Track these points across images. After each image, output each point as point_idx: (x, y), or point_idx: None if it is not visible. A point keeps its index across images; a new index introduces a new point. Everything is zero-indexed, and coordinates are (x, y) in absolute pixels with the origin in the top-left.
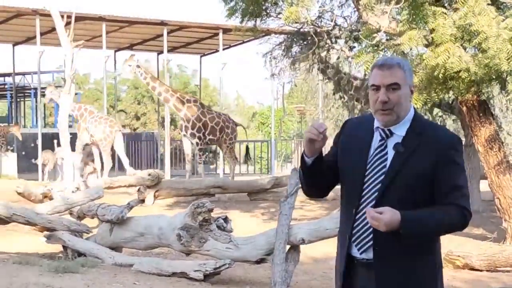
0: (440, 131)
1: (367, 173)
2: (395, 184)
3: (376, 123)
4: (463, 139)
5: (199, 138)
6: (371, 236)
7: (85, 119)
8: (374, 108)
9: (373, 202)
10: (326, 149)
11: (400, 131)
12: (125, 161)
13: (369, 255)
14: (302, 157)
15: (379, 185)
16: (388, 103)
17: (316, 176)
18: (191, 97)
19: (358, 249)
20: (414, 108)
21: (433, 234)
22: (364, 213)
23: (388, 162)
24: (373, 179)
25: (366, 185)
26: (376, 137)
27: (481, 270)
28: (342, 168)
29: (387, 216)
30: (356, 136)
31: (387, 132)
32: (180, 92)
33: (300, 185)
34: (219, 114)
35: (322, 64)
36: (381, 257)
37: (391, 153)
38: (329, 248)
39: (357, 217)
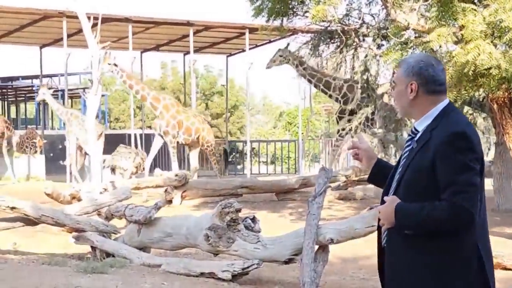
0: (447, 126)
1: (397, 169)
2: (404, 179)
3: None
4: (494, 137)
5: (173, 136)
6: (386, 232)
7: (71, 123)
8: None
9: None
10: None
11: (421, 127)
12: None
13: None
14: None
15: (396, 181)
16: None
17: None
18: (167, 95)
19: (383, 239)
20: (450, 104)
21: (423, 229)
22: None
23: (406, 159)
24: (396, 174)
25: (393, 180)
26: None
27: None
28: None
29: (384, 205)
30: None
31: (413, 129)
32: (155, 90)
33: (328, 185)
34: (195, 114)
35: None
36: (389, 247)
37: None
38: (358, 248)
39: None
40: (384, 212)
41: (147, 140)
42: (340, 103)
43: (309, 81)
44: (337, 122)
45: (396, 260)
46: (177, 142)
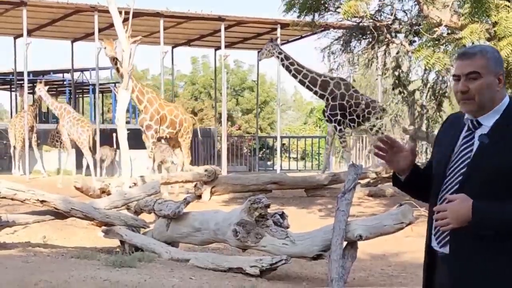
0: None
1: (450, 164)
2: (475, 176)
3: (466, 115)
4: None
5: (155, 131)
6: (450, 235)
7: (63, 118)
8: (456, 98)
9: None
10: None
11: (488, 121)
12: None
13: (447, 249)
14: (394, 175)
15: (460, 177)
16: (468, 92)
17: (418, 189)
18: (148, 88)
19: (438, 243)
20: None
21: (505, 229)
22: None
23: (473, 154)
24: (456, 170)
25: (449, 177)
26: (465, 129)
27: None
28: (433, 162)
29: (454, 203)
30: (450, 129)
31: (475, 123)
32: (141, 83)
33: (358, 181)
34: (177, 106)
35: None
36: (457, 252)
37: (477, 145)
38: (387, 245)
39: None
40: (455, 211)
41: None
42: (327, 100)
43: (294, 76)
44: (330, 121)
45: (469, 263)
46: (162, 137)
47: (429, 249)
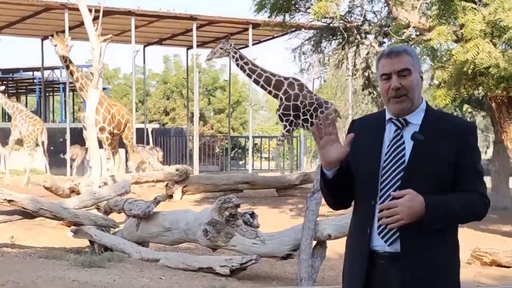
0: (456, 119)
1: (384, 164)
2: (417, 173)
3: (388, 115)
4: (493, 136)
5: (109, 132)
6: (398, 232)
7: (15, 117)
8: (386, 97)
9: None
10: None
11: (415, 120)
12: (45, 160)
13: (396, 247)
14: (322, 172)
15: (401, 174)
16: (401, 89)
17: (342, 193)
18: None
19: (385, 241)
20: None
21: (456, 220)
22: None
23: (408, 151)
24: (392, 169)
25: (385, 176)
26: (390, 129)
27: (508, 267)
28: (356, 167)
29: (405, 199)
30: (366, 133)
31: (402, 121)
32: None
33: None
34: (121, 106)
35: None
36: (409, 248)
37: (409, 142)
38: None
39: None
40: (407, 206)
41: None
42: (281, 100)
43: (249, 76)
44: (281, 120)
45: (420, 257)
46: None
47: (368, 251)
